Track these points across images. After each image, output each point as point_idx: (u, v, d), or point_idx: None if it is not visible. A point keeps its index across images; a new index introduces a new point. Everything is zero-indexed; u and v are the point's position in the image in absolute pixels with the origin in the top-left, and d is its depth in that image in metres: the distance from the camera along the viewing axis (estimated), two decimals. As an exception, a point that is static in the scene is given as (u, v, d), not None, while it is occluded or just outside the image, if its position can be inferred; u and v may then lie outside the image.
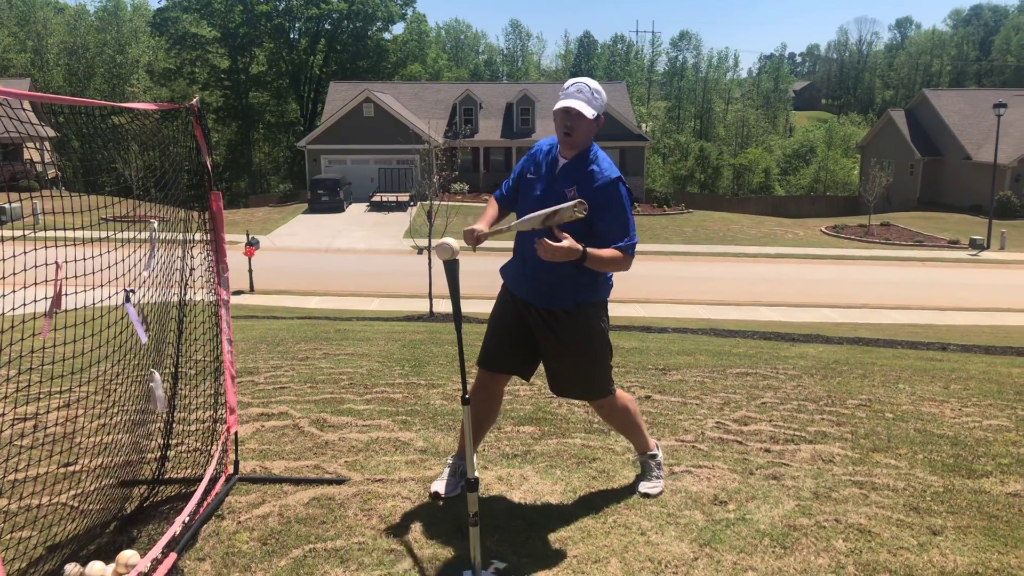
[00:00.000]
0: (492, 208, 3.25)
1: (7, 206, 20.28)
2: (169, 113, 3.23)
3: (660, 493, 3.28)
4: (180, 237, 3.23)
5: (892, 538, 2.88)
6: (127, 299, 2.73)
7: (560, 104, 2.97)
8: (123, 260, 2.73)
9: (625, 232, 2.94)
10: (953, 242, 29.01)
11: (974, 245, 28.12)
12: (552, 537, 2.89)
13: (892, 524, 3.00)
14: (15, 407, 4.22)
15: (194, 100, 3.26)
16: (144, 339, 2.76)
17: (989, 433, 4.22)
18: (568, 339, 3.05)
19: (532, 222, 2.82)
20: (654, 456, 3.41)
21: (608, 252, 2.89)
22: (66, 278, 2.37)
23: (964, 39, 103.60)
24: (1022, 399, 5.13)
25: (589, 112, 2.94)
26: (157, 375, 3.01)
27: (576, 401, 4.75)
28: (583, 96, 2.96)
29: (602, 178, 2.97)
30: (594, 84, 3.00)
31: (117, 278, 2.68)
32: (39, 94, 2.24)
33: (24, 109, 2.34)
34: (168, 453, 3.40)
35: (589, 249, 2.82)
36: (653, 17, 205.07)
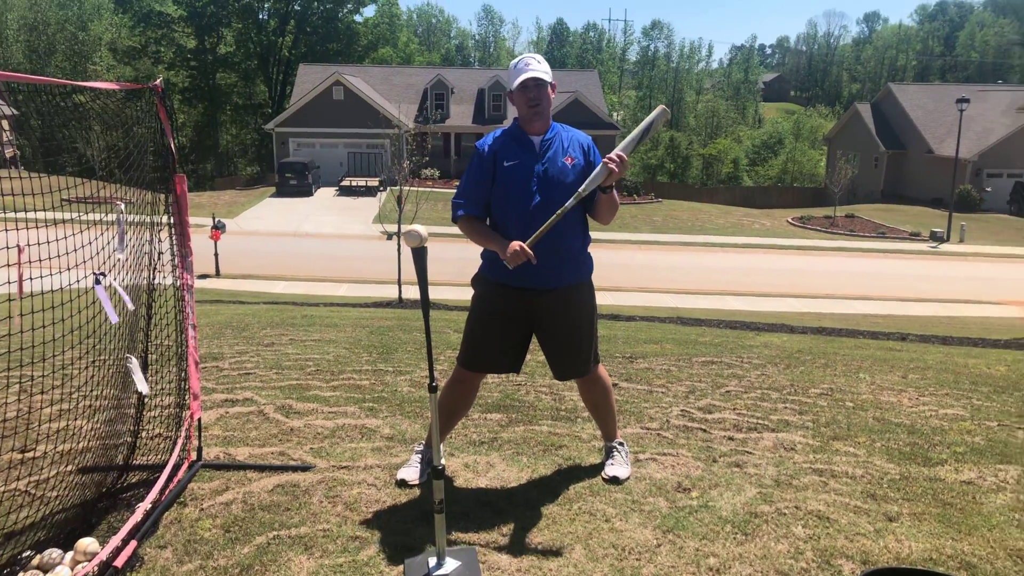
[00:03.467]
0: (478, 224, 3.09)
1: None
2: (133, 93, 3.17)
3: (628, 478, 3.32)
4: (147, 220, 3.17)
5: (849, 524, 2.95)
6: (97, 282, 2.68)
7: (520, 79, 2.99)
8: (89, 243, 2.67)
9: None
10: (915, 234, 29.59)
11: (934, 237, 28.72)
12: (517, 524, 2.91)
13: (850, 511, 3.07)
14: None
15: (158, 80, 3.19)
16: (115, 319, 2.72)
17: (945, 422, 4.32)
18: (577, 313, 3.14)
19: (630, 146, 2.99)
20: (622, 444, 3.46)
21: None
22: (29, 262, 2.32)
23: (929, 34, 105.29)
24: (977, 389, 5.26)
25: (548, 77, 3.04)
26: (134, 359, 2.97)
27: (544, 388, 4.78)
28: (536, 67, 3.02)
29: (586, 141, 3.17)
30: (538, 56, 3.11)
31: (84, 262, 2.62)
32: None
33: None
34: (136, 440, 3.36)
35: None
36: (626, 6, 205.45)
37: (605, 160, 2.93)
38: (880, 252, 26.26)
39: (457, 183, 3.20)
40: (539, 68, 3.02)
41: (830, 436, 4.00)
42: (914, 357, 6.85)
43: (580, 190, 2.93)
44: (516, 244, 2.88)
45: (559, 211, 2.89)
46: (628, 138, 3.05)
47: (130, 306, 2.83)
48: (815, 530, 2.90)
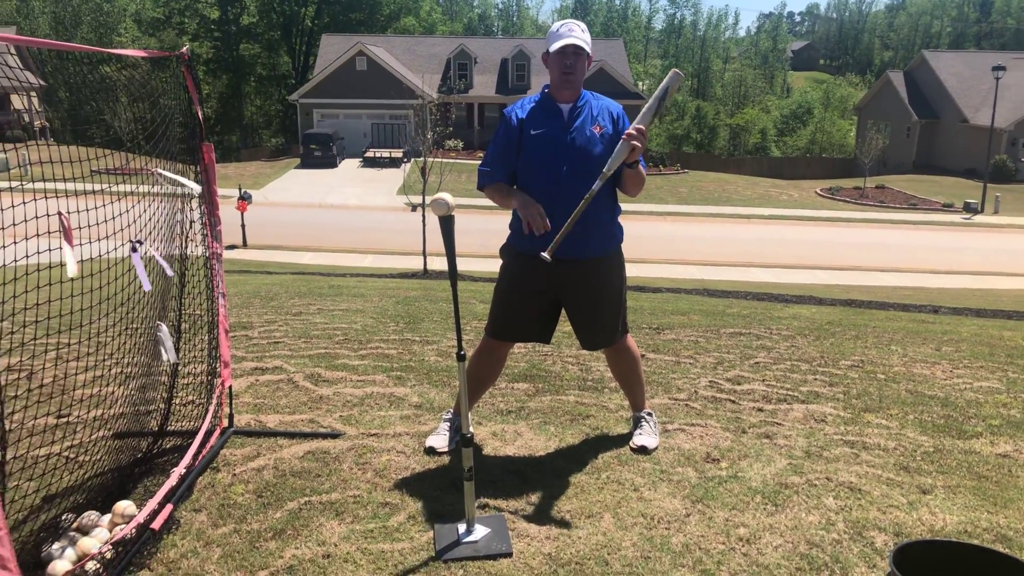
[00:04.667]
0: (504, 186, 3.07)
1: (-5, 156, 20.04)
2: (159, 63, 3.16)
3: (656, 448, 3.31)
4: (178, 190, 3.18)
5: (882, 496, 2.91)
6: (134, 250, 2.69)
7: (559, 44, 2.93)
8: (124, 213, 2.68)
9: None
10: (947, 205, 29.03)
11: (968, 209, 28.16)
12: (545, 492, 2.92)
13: (882, 483, 3.03)
14: (10, 360, 4.20)
15: (184, 48, 3.18)
16: (148, 287, 2.74)
17: (979, 395, 4.25)
18: (605, 284, 3.12)
19: (647, 117, 2.91)
20: (650, 414, 3.45)
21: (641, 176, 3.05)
22: (71, 228, 2.33)
23: (965, 0, 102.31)
24: (1013, 361, 5.17)
25: (587, 48, 2.97)
26: (164, 327, 3.00)
27: (571, 359, 4.77)
28: (579, 35, 2.95)
29: (616, 110, 3.11)
30: (582, 24, 3.03)
31: (117, 232, 2.64)
32: (26, 38, 2.17)
33: (11, 54, 2.28)
34: (171, 407, 3.40)
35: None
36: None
37: (625, 137, 2.87)
38: (911, 224, 25.81)
39: (481, 154, 3.16)
40: (581, 37, 2.94)
41: (861, 408, 3.95)
42: (947, 329, 6.74)
43: (605, 170, 2.86)
44: (538, 209, 2.88)
45: (587, 195, 2.83)
46: (644, 109, 2.96)
47: (169, 272, 2.85)
48: (847, 502, 2.87)
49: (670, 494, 2.91)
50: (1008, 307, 10.77)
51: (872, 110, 46.01)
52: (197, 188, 3.09)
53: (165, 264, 2.80)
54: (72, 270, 2.27)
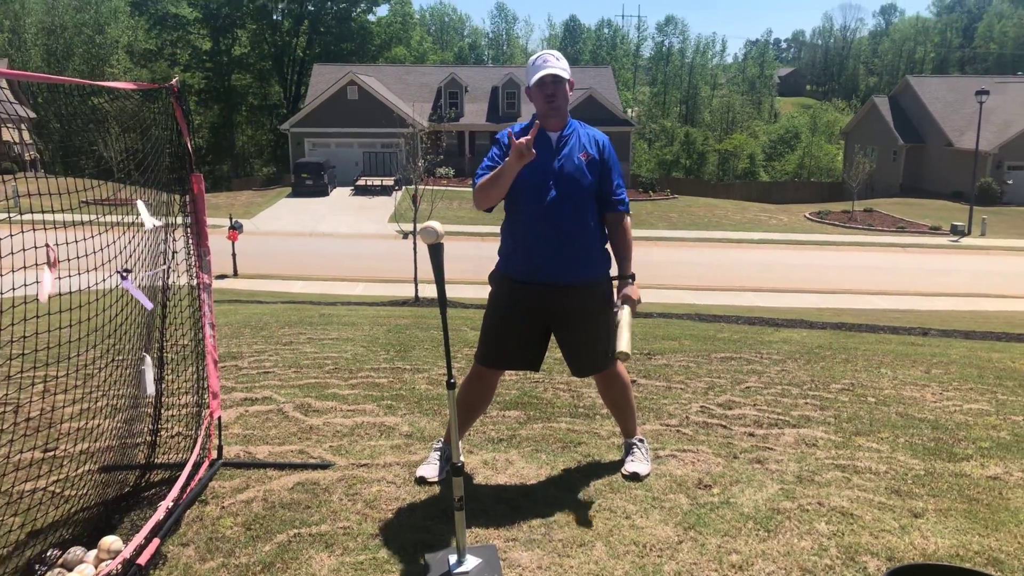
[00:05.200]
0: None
1: (-15, 188, 19.96)
2: (149, 94, 3.18)
3: (648, 474, 3.30)
4: (162, 221, 3.18)
5: (874, 521, 2.91)
6: (123, 278, 2.69)
7: (537, 75, 3.00)
8: (111, 245, 2.68)
9: (622, 187, 3.17)
10: (935, 228, 29.26)
11: (955, 231, 28.38)
12: (537, 521, 2.90)
13: (874, 507, 3.03)
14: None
15: (174, 80, 3.20)
16: (149, 306, 2.75)
17: (969, 417, 4.26)
18: (594, 310, 3.13)
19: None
20: (642, 441, 3.44)
21: (629, 248, 3.17)
22: (58, 260, 2.32)
23: (948, 26, 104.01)
24: (1002, 383, 5.19)
25: (565, 74, 3.03)
26: (148, 358, 2.98)
27: (562, 385, 4.76)
28: (555, 63, 3.02)
29: (603, 139, 3.16)
30: (557, 52, 3.10)
31: (105, 263, 2.63)
32: (18, 72, 2.19)
33: (2, 88, 2.29)
34: (156, 439, 3.37)
35: (628, 270, 3.15)
36: (639, 2, 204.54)
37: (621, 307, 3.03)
38: (899, 247, 26.00)
39: (471, 181, 3.18)
40: (557, 65, 3.01)
41: (852, 432, 3.95)
42: (936, 352, 6.77)
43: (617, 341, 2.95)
44: (521, 141, 2.78)
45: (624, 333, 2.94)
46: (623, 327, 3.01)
47: (147, 305, 2.84)
48: (839, 526, 2.86)
49: (662, 521, 2.90)
50: (997, 328, 10.83)
51: (858, 134, 46.52)
52: (152, 223, 3.02)
53: (141, 296, 2.78)
54: (43, 296, 2.26)
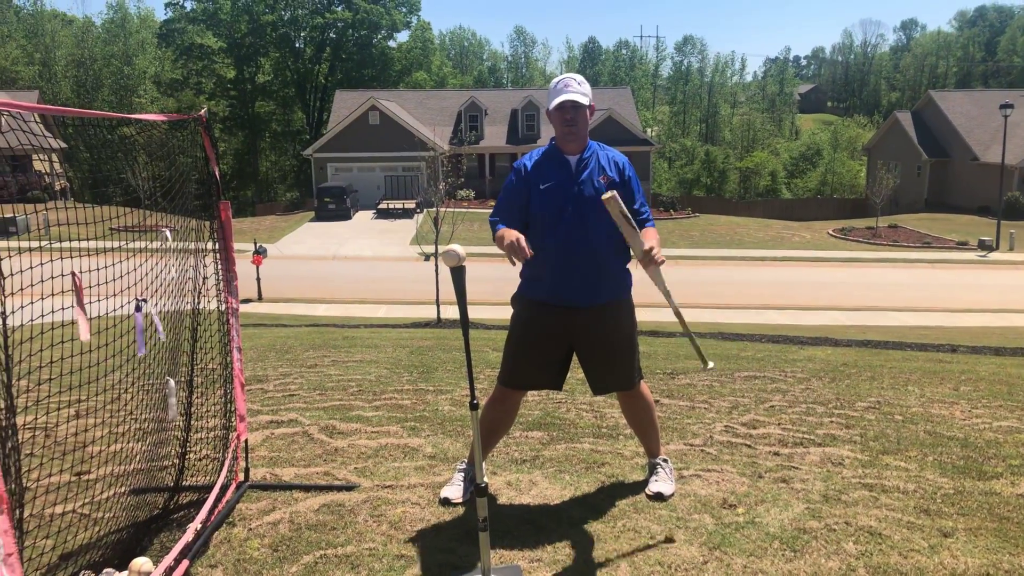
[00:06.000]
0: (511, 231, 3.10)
1: (17, 217, 20.41)
2: (177, 123, 3.26)
3: (672, 494, 3.29)
4: (192, 246, 3.25)
5: (903, 540, 2.87)
6: (138, 308, 2.75)
7: (557, 100, 3.04)
8: (135, 269, 2.75)
9: (645, 205, 3.22)
10: (962, 243, 28.88)
11: (983, 246, 28.00)
12: (561, 542, 2.90)
13: (902, 526, 2.99)
14: (26, 417, 4.25)
15: (202, 111, 3.29)
16: (142, 351, 2.78)
17: (999, 434, 4.20)
18: (615, 330, 3.15)
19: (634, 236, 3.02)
20: (666, 461, 3.43)
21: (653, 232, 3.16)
22: (86, 287, 2.39)
23: (969, 40, 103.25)
24: (1032, 400, 5.10)
25: (585, 100, 3.07)
26: (172, 383, 3.03)
27: (584, 406, 4.76)
28: (576, 88, 3.06)
29: (622, 160, 3.20)
30: (579, 77, 3.14)
31: (130, 287, 2.70)
32: (49, 107, 2.27)
33: (34, 121, 2.37)
34: (185, 462, 3.42)
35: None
36: (657, 22, 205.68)
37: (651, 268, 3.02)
38: (926, 262, 25.68)
39: (493, 202, 3.21)
40: (578, 90, 3.05)
41: (879, 450, 3.91)
42: (965, 369, 6.67)
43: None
44: (514, 235, 2.85)
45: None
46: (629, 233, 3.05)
47: (162, 337, 2.88)
48: (867, 546, 2.83)
49: (687, 541, 2.88)
50: (1028, 344, 10.63)
51: (881, 150, 46.20)
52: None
53: (159, 325, 2.83)
54: (84, 335, 2.32)
